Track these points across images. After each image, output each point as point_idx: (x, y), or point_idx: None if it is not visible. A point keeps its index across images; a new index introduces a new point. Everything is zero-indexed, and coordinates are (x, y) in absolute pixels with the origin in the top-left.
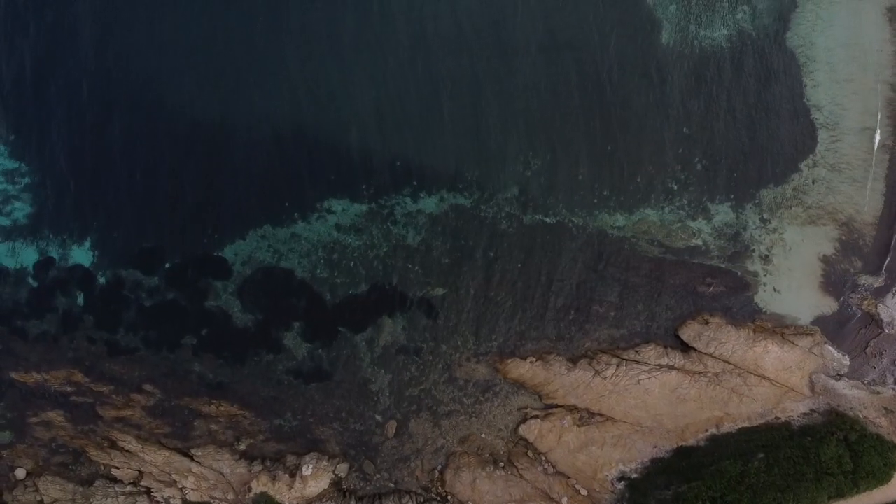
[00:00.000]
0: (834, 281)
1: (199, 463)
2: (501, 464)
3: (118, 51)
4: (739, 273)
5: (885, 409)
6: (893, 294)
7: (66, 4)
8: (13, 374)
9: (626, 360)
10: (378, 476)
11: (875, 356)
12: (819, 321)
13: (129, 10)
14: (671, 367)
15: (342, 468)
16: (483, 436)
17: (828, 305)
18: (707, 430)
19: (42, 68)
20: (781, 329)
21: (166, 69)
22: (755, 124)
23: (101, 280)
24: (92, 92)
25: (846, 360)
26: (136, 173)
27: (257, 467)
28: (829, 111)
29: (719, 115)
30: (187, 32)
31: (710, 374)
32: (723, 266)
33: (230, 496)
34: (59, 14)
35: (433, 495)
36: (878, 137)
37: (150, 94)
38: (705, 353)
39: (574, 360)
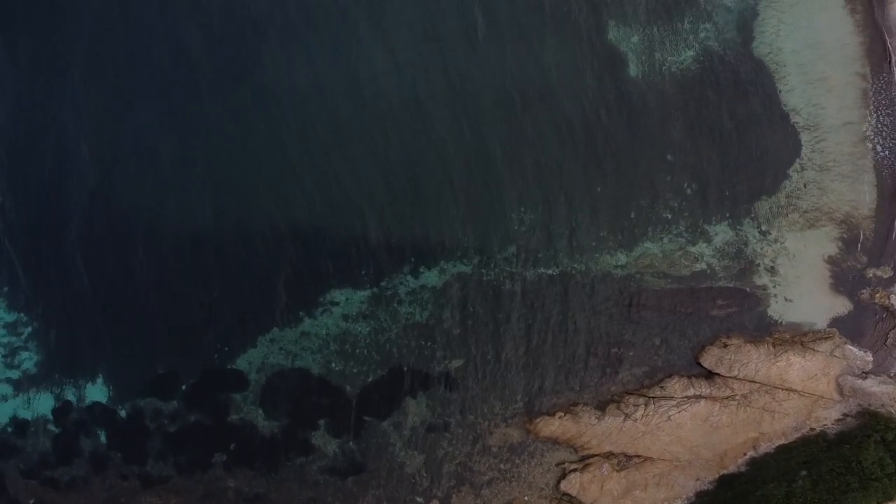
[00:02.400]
0: (843, 280)
1: None
2: None
3: (105, 183)
4: (748, 289)
5: None
6: None
7: (52, 146)
8: None
9: (653, 397)
10: None
11: None
12: (835, 322)
13: (107, 130)
14: (699, 397)
15: None
16: (526, 498)
17: (841, 305)
18: (745, 454)
19: (24, 215)
20: (800, 338)
21: (155, 193)
22: (737, 139)
23: (122, 414)
24: (78, 230)
25: (869, 357)
26: (136, 302)
27: None
28: (808, 113)
29: (700, 136)
30: (175, 150)
31: (738, 397)
32: (731, 285)
33: None
34: (41, 159)
35: None
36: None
37: (138, 222)
38: (729, 377)
39: (602, 408)
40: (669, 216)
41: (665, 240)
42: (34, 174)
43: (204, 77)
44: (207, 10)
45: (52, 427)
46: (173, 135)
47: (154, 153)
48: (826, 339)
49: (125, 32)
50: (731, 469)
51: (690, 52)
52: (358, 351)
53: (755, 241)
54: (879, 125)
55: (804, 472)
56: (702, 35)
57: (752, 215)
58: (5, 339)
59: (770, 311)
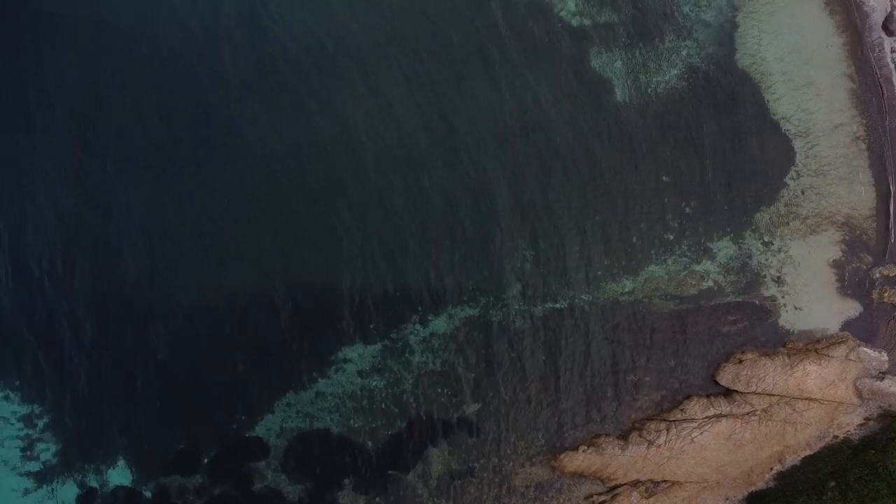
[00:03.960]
0: (850, 282)
1: None
2: None
3: (113, 263)
4: (757, 302)
5: None
6: None
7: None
8: None
9: (675, 421)
10: None
11: None
12: (847, 325)
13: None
14: (719, 416)
15: None
16: None
17: (851, 308)
18: (772, 469)
19: (34, 303)
20: (814, 345)
21: (164, 268)
22: (730, 153)
23: (147, 494)
24: (89, 312)
25: (884, 357)
26: (150, 381)
27: None
28: (798, 119)
29: (693, 153)
30: (181, 223)
31: (758, 412)
32: (739, 300)
33: None
34: (51, 243)
35: None
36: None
37: (146, 298)
38: (748, 393)
39: (625, 437)
40: (671, 237)
41: (669, 261)
42: (46, 260)
43: (203, 145)
44: (199, 77)
45: None
46: (177, 206)
47: (162, 227)
48: (840, 343)
49: (123, 109)
50: (760, 485)
51: (675, 71)
52: (375, 405)
53: (759, 252)
54: (870, 124)
55: (832, 483)
56: (684, 53)
57: (754, 227)
58: (23, 432)
59: (781, 322)
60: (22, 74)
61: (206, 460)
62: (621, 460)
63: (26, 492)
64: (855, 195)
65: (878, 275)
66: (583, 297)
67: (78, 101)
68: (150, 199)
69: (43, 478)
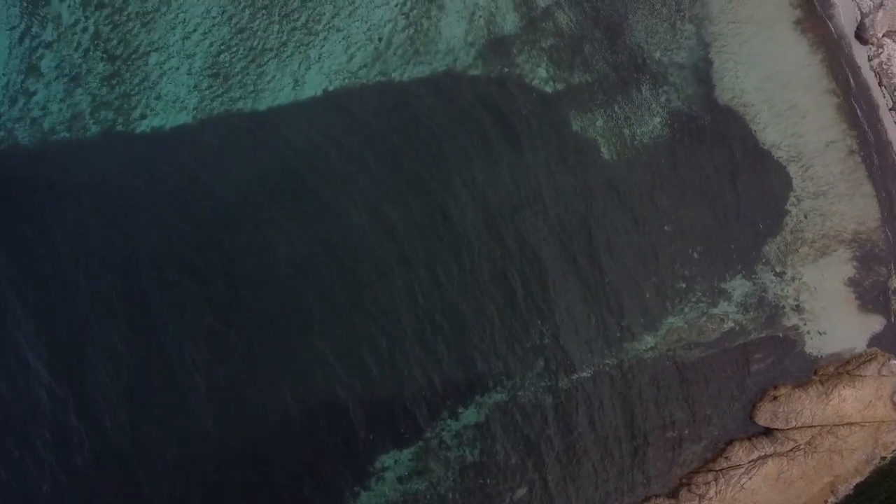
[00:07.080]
0: (869, 297)
1: None
2: None
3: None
4: (781, 334)
5: None
6: None
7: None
8: None
9: (721, 469)
10: None
11: None
12: (874, 341)
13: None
14: (765, 457)
15: None
16: None
17: (875, 322)
18: (826, 502)
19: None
20: (844, 367)
21: (188, 399)
22: (726, 190)
23: None
24: (119, 459)
25: None
26: None
27: None
28: (788, 144)
29: (689, 198)
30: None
31: (802, 446)
32: (763, 335)
33: None
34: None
35: None
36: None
37: (173, 433)
38: (788, 429)
39: (674, 494)
40: (683, 285)
41: (686, 309)
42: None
43: (224, 273)
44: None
45: None
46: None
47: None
48: (869, 360)
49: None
50: None
51: (657, 119)
52: None
53: (773, 285)
54: (861, 135)
55: None
56: (663, 99)
57: (764, 260)
58: None
59: (808, 349)
60: (32, 251)
61: None
62: None
63: None
64: (859, 209)
65: (895, 285)
66: (606, 361)
67: (87, 261)
68: (170, 327)
69: None
